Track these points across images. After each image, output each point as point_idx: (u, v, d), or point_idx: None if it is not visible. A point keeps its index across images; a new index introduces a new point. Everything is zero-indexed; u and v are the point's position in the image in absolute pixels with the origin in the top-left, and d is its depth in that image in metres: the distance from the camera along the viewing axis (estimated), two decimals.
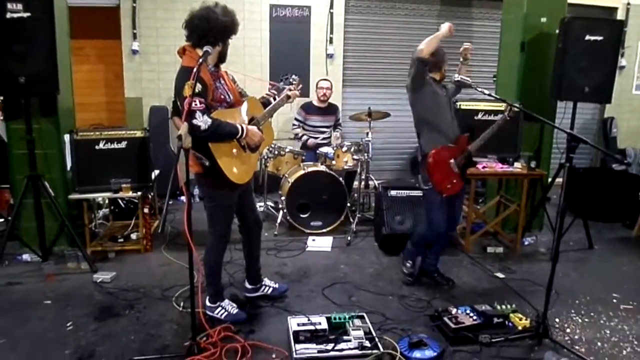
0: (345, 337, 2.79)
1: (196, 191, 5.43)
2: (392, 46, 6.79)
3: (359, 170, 5.15)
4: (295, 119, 5.78)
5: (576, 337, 3.02)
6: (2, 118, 4.25)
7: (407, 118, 6.31)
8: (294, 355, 2.66)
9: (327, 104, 5.76)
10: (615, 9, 7.15)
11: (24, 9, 3.60)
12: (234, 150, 2.87)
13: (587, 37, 4.21)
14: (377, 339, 2.79)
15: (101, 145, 4.12)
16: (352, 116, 5.46)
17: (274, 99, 3.24)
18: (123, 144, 4.17)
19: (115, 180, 4.12)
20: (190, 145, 2.53)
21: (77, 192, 4.09)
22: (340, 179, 4.89)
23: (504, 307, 3.11)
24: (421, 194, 4.45)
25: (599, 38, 4.21)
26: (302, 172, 4.82)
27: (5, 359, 2.69)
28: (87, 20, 6.17)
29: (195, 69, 2.49)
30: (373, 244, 4.66)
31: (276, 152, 5.05)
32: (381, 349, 2.72)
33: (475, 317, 3.00)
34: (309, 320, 2.92)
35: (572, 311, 3.36)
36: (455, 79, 3.37)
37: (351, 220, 4.99)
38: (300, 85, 3.39)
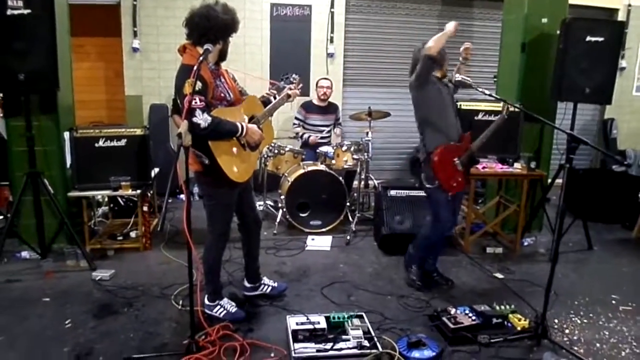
0: (344, 337, 2.79)
1: (196, 189, 5.43)
2: (392, 46, 6.80)
3: (358, 169, 5.15)
4: (296, 118, 5.78)
5: (575, 338, 3.02)
6: (1, 115, 4.25)
7: (407, 118, 6.30)
8: (293, 355, 2.65)
9: (327, 103, 5.77)
10: (616, 10, 7.16)
11: (24, 5, 3.60)
12: (234, 149, 2.86)
13: (588, 38, 4.20)
14: (375, 339, 2.79)
15: (101, 143, 4.12)
16: (352, 115, 5.46)
17: (274, 97, 3.24)
18: (123, 142, 4.16)
19: (115, 178, 4.12)
20: (190, 143, 2.53)
21: (76, 189, 4.09)
22: (340, 178, 4.89)
23: (503, 307, 3.11)
24: (420, 194, 4.47)
25: (600, 39, 4.21)
26: (301, 171, 4.81)
27: (4, 356, 2.68)
28: (87, 18, 6.17)
29: (195, 67, 2.49)
30: (372, 243, 4.66)
31: (276, 151, 5.05)
32: (380, 349, 2.71)
33: (474, 318, 2.99)
34: (307, 319, 2.92)
35: (571, 312, 3.36)
36: (456, 79, 3.36)
37: (351, 219, 4.99)
38: (301, 85, 3.39)
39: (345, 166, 5.02)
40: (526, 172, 4.37)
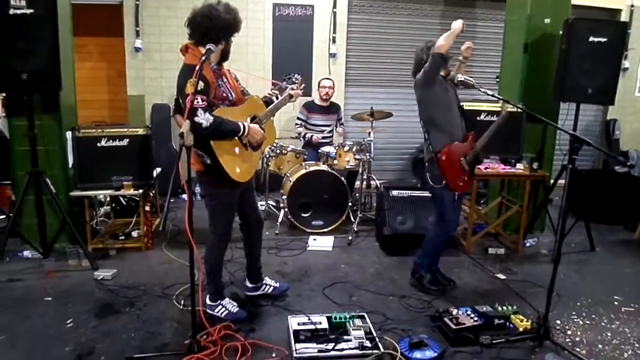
0: (345, 337, 2.78)
1: (197, 189, 5.42)
2: (395, 46, 6.79)
3: (360, 170, 5.14)
4: (298, 118, 5.78)
5: (577, 339, 3.01)
6: (4, 114, 4.25)
7: (409, 118, 6.28)
8: (294, 355, 2.65)
9: (329, 102, 5.77)
10: (619, 11, 7.15)
11: (27, 5, 3.61)
12: (236, 149, 2.86)
13: (591, 39, 4.20)
14: (377, 339, 2.78)
15: (103, 143, 4.12)
16: (354, 116, 5.46)
17: (277, 97, 3.23)
18: (125, 142, 4.17)
19: (117, 178, 4.12)
20: (192, 143, 2.53)
21: (78, 189, 4.10)
22: (342, 178, 4.89)
23: (505, 308, 3.10)
24: (422, 194, 4.48)
25: (603, 39, 4.20)
26: (303, 171, 4.81)
27: (6, 355, 2.68)
28: (90, 18, 6.19)
29: (198, 67, 2.49)
30: (374, 244, 4.65)
31: (278, 151, 5.05)
32: (381, 349, 2.71)
33: (476, 318, 2.99)
34: (309, 319, 2.92)
35: (574, 313, 3.35)
36: (459, 79, 3.35)
37: (352, 220, 4.99)
38: (303, 85, 3.39)
39: (347, 166, 5.02)
40: (528, 173, 4.37)
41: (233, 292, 3.47)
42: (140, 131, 4.23)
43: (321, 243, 4.59)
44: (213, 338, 2.79)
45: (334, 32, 6.52)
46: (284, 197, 4.84)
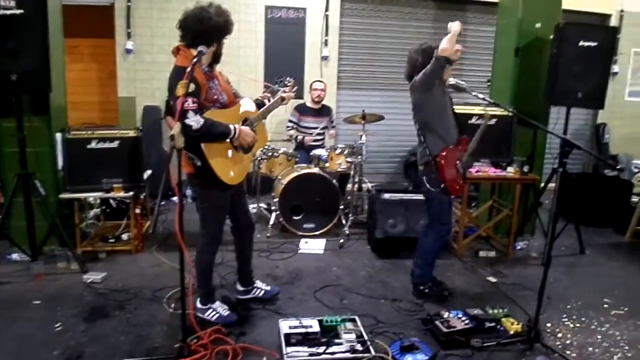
0: (336, 340, 2.78)
1: (188, 192, 5.40)
2: (386, 49, 6.80)
3: (352, 172, 5.15)
4: (290, 121, 5.78)
5: (567, 342, 3.02)
6: None
7: (401, 121, 6.29)
8: (285, 358, 2.64)
9: (320, 105, 5.77)
10: (609, 16, 7.22)
11: (16, 5, 3.57)
12: (227, 151, 2.85)
13: (581, 43, 4.22)
14: (368, 342, 2.78)
15: (93, 145, 4.08)
16: (346, 119, 5.47)
17: (269, 100, 3.23)
18: (115, 144, 4.13)
19: (107, 180, 4.09)
20: (182, 145, 2.51)
21: (68, 191, 4.06)
22: (334, 181, 4.88)
23: (495, 311, 3.11)
24: (414, 197, 4.48)
25: (593, 44, 4.23)
26: (295, 174, 4.80)
27: None
28: (81, 19, 6.13)
29: (189, 69, 2.48)
30: (366, 246, 4.65)
31: (270, 154, 5.04)
32: (373, 353, 2.71)
33: (467, 321, 3.00)
34: (300, 323, 2.90)
35: (564, 316, 3.37)
36: (450, 83, 3.36)
37: (344, 222, 4.98)
38: (295, 87, 3.39)
39: (339, 169, 5.02)
40: (519, 176, 4.39)
41: (224, 296, 3.45)
42: (131, 133, 4.19)
43: (313, 246, 4.58)
44: (203, 342, 2.77)
45: (326, 35, 6.53)
46: (276, 199, 4.83)
